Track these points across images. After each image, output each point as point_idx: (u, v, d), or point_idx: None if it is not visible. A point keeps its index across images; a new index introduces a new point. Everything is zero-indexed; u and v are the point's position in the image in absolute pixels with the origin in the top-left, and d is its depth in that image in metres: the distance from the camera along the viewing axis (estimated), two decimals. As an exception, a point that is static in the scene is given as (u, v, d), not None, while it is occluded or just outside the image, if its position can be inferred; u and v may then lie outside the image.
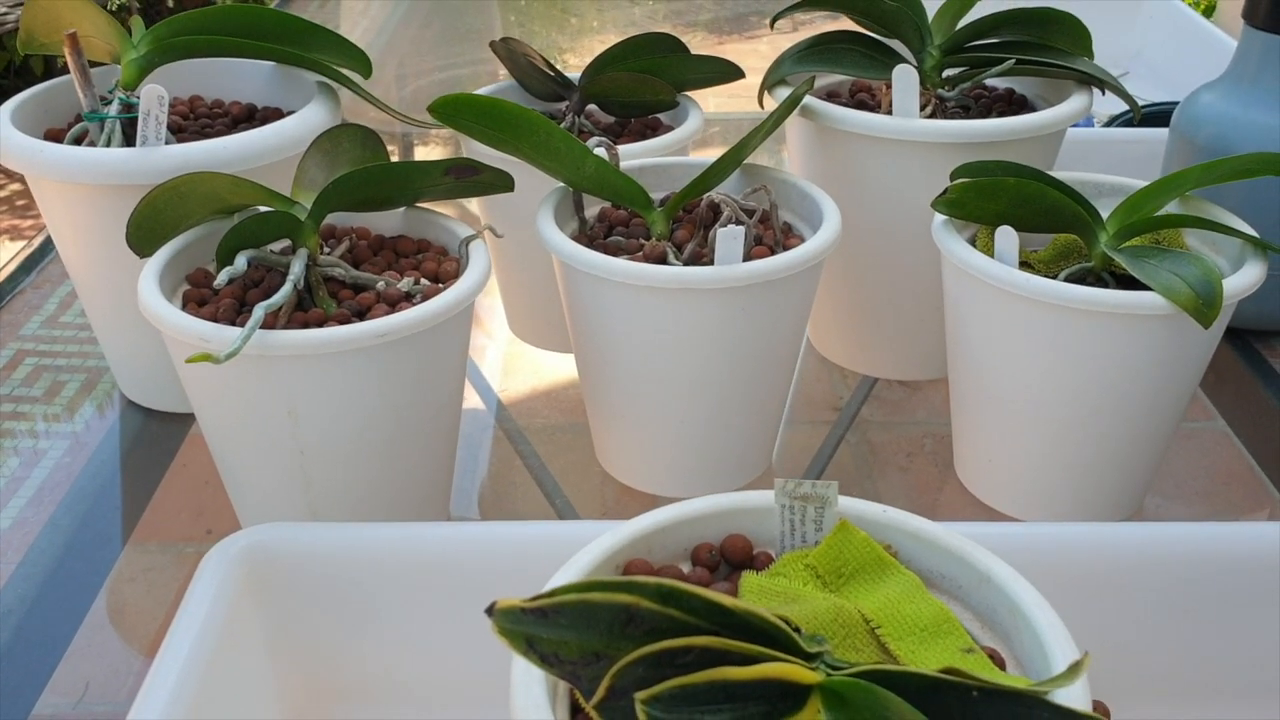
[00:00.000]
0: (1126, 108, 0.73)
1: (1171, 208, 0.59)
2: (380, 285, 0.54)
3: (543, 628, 0.30)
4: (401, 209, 0.60)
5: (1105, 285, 0.56)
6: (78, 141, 0.64)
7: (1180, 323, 0.52)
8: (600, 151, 0.58)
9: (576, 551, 0.38)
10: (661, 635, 0.29)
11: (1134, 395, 0.55)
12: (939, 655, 0.34)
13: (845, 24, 0.72)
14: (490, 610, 0.29)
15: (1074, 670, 0.29)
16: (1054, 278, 0.56)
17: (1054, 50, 0.69)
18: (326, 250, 0.57)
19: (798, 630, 0.33)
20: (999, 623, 0.37)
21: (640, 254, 0.57)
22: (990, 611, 0.37)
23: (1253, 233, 0.56)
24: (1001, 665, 0.35)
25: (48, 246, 0.88)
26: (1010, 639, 0.36)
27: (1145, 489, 0.60)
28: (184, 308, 0.53)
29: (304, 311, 0.53)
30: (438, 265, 0.57)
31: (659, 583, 0.30)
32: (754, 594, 0.37)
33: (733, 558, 0.39)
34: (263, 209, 0.55)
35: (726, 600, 0.30)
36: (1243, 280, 0.53)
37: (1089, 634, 0.38)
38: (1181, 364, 0.54)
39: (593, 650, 0.30)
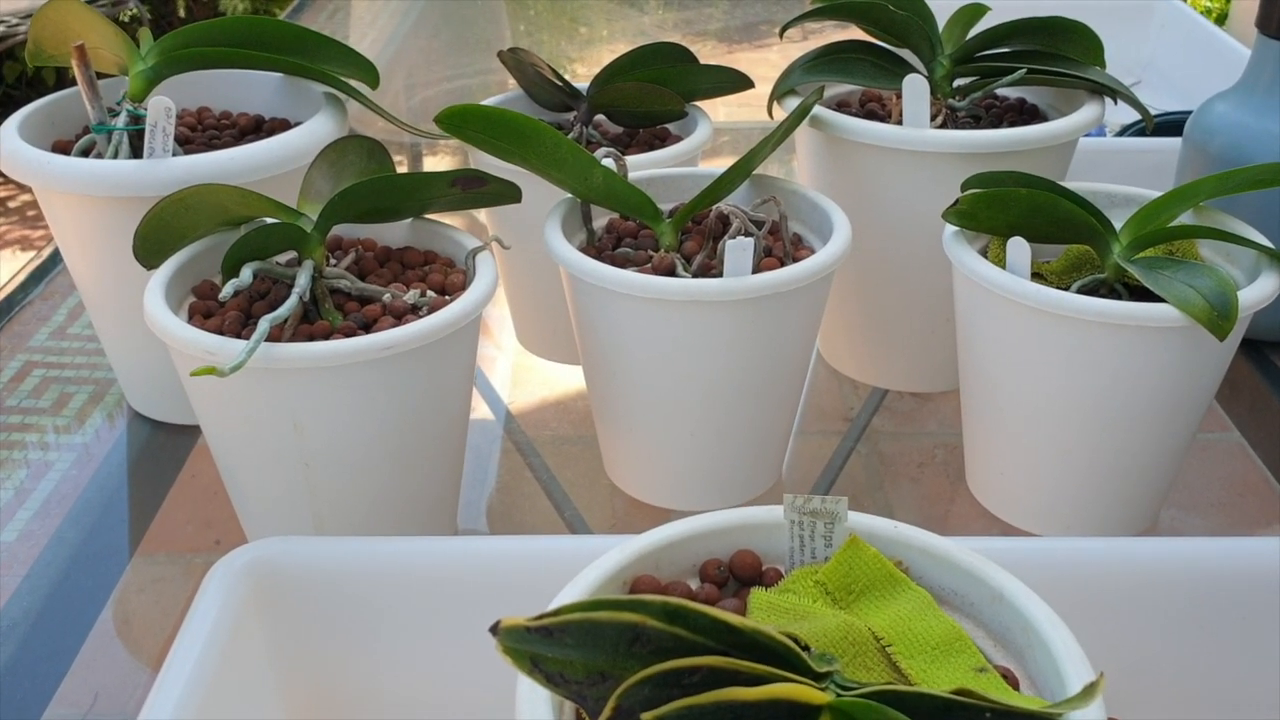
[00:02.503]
0: (1139, 117, 0.72)
1: (1185, 218, 0.58)
2: (386, 297, 0.54)
3: (548, 647, 0.29)
4: (408, 220, 0.59)
5: (1118, 297, 0.56)
6: (85, 153, 0.64)
7: (1195, 335, 0.52)
8: (608, 162, 0.58)
9: (584, 566, 0.37)
10: (668, 655, 0.29)
11: (1148, 408, 0.54)
12: (951, 674, 0.34)
13: (855, 33, 0.72)
14: (495, 629, 0.29)
15: (1089, 691, 0.28)
16: (1066, 289, 0.55)
17: (1065, 59, 0.69)
18: (332, 262, 0.57)
19: (807, 648, 0.33)
20: (1012, 641, 0.36)
21: (649, 266, 0.56)
22: (1003, 630, 0.36)
23: (1268, 244, 0.55)
24: (1015, 685, 0.35)
25: (56, 258, 0.88)
26: (1024, 658, 0.36)
27: (1160, 502, 0.59)
28: (190, 320, 0.53)
29: (310, 324, 0.52)
30: (444, 277, 0.56)
31: (665, 601, 0.29)
32: (763, 611, 0.37)
33: (741, 574, 0.39)
34: (269, 221, 0.55)
35: (734, 619, 0.30)
36: (1258, 292, 0.53)
37: (1104, 651, 0.37)
38: (1196, 376, 0.54)
39: (599, 670, 0.29)
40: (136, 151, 0.63)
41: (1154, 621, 0.45)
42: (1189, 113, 0.75)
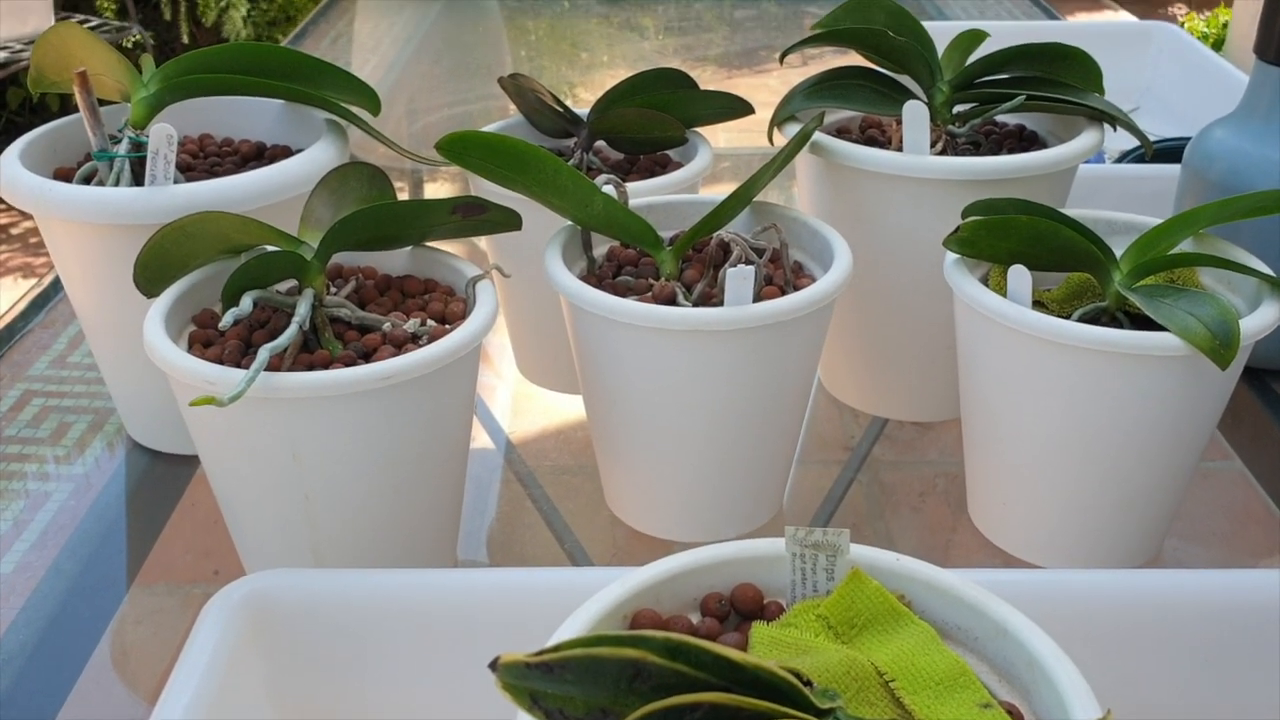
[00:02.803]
0: (1138, 143, 0.72)
1: (1185, 245, 0.58)
2: (386, 326, 0.54)
3: (548, 683, 0.29)
4: (408, 248, 0.59)
5: (1120, 325, 0.55)
6: (87, 180, 0.64)
7: (1197, 364, 0.51)
8: (608, 189, 0.58)
9: (584, 599, 0.37)
10: (670, 691, 0.29)
11: (1150, 437, 0.54)
12: (955, 710, 0.33)
13: (855, 59, 0.72)
14: (494, 665, 0.29)
15: (1095, 730, 0.28)
16: (1068, 317, 0.55)
17: (1065, 86, 0.69)
18: (333, 290, 0.56)
19: (809, 684, 0.33)
20: (1017, 676, 0.36)
21: (649, 294, 0.56)
22: (1008, 664, 0.36)
23: (1269, 271, 0.55)
24: (1019, 720, 0.34)
25: (57, 286, 0.88)
26: (1029, 693, 0.35)
27: (1164, 532, 0.59)
28: (190, 349, 0.53)
29: (310, 353, 0.52)
30: (444, 305, 0.56)
31: (667, 637, 0.29)
32: (765, 645, 0.36)
33: (743, 608, 0.39)
34: (269, 249, 0.55)
35: (736, 655, 0.29)
36: (1260, 320, 0.53)
37: (1109, 685, 0.37)
38: (1198, 405, 0.54)
39: (599, 706, 0.29)
40: (138, 179, 0.63)
41: (1159, 654, 0.45)
42: (1188, 139, 0.75)
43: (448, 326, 0.54)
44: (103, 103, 0.64)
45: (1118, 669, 0.44)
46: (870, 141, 0.71)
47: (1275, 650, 0.45)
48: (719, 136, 1.19)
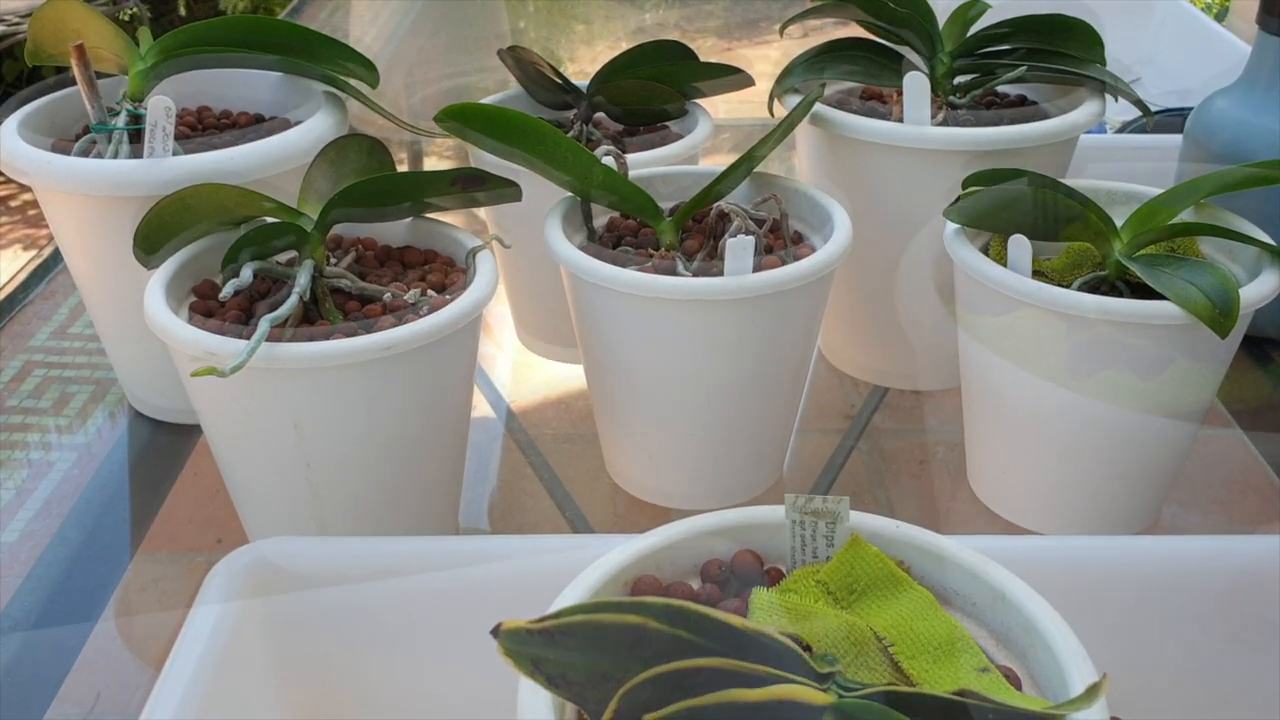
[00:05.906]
0: (1139, 114, 0.72)
1: (1186, 215, 0.58)
2: (387, 297, 0.54)
3: (549, 649, 0.29)
4: (408, 219, 0.59)
5: (1120, 294, 0.56)
6: (85, 153, 0.64)
7: (1196, 332, 0.52)
8: (608, 160, 0.58)
9: (585, 566, 0.37)
10: (670, 656, 0.29)
11: (1149, 405, 0.54)
12: (953, 674, 0.34)
13: (855, 30, 0.72)
14: (496, 631, 0.29)
15: (1092, 692, 0.28)
16: (1068, 286, 0.55)
17: (1066, 56, 0.68)
18: (333, 261, 0.56)
19: (809, 649, 0.33)
20: (1014, 641, 0.36)
21: (649, 264, 0.56)
22: (1005, 629, 0.36)
23: (1269, 241, 0.55)
24: (1017, 685, 0.35)
25: (57, 256, 0.88)
26: (1026, 658, 0.36)
27: (1162, 499, 0.59)
28: (190, 319, 0.53)
29: (310, 323, 0.52)
30: (444, 276, 0.56)
31: (667, 603, 0.29)
32: (765, 611, 0.37)
33: (743, 574, 0.39)
34: (269, 220, 0.55)
35: (736, 620, 0.30)
36: (1259, 289, 0.53)
37: (1106, 649, 0.37)
38: (1198, 373, 0.54)
39: (600, 671, 0.29)
40: (136, 151, 0.63)
41: (1156, 620, 0.45)
42: (1189, 109, 0.75)
43: (448, 296, 0.54)
44: (100, 75, 0.64)
45: (1115, 634, 0.45)
46: (871, 113, 0.70)
47: (1272, 616, 0.45)
48: (719, 108, 1.18)
